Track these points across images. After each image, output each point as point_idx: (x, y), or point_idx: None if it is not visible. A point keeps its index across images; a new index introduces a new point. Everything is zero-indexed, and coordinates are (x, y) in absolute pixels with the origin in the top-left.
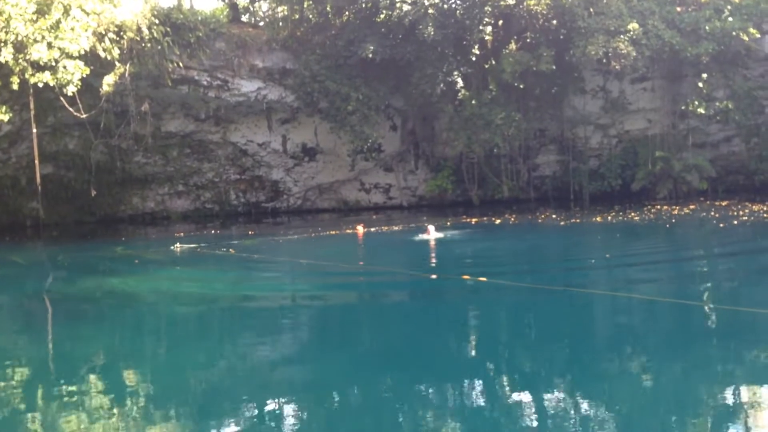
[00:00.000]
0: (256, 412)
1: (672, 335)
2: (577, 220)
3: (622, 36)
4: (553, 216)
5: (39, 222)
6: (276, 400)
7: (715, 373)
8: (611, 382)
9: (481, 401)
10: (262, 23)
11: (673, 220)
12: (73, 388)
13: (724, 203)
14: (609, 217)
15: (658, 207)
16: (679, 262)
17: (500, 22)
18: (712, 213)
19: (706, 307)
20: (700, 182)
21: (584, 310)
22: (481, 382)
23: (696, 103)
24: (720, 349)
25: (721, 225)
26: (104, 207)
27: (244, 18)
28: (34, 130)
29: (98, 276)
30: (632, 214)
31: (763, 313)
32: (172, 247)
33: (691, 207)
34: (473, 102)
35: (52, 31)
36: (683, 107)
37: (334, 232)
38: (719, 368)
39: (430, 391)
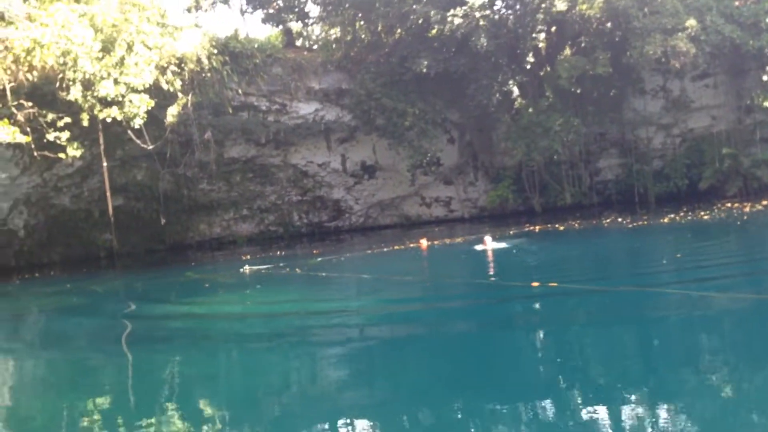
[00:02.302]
0: None
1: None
2: (644, 223)
3: (680, 34)
4: (619, 220)
5: (112, 252)
6: (366, 419)
7: None
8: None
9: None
10: (315, 46)
11: (745, 217)
12: (154, 411)
13: None
14: (677, 218)
15: (728, 205)
16: (753, 259)
17: (553, 29)
18: None
19: None
20: None
21: (659, 309)
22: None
23: (761, 96)
24: None
25: None
26: (173, 235)
27: (299, 42)
28: (105, 164)
29: (172, 301)
30: (701, 213)
31: None
32: (240, 270)
33: (764, 203)
34: (530, 110)
35: (117, 67)
36: (748, 102)
37: (398, 247)
38: None
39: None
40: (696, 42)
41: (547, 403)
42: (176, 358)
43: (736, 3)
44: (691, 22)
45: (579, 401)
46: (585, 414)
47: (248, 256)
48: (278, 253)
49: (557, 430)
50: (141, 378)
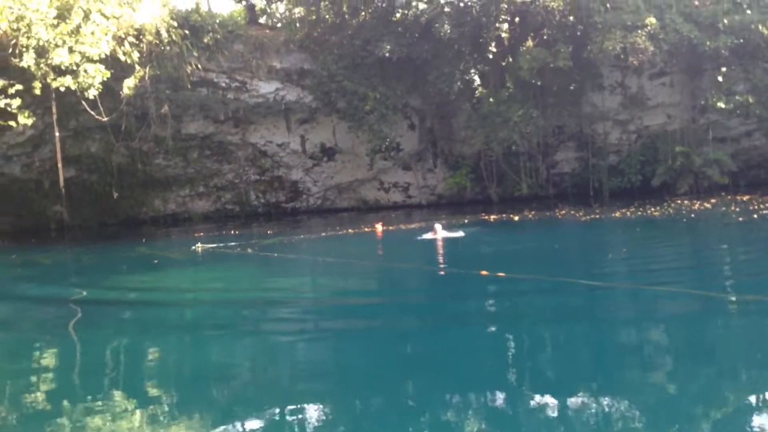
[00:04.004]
0: (273, 414)
1: (679, 321)
2: (596, 216)
3: (639, 31)
4: (572, 212)
5: (63, 224)
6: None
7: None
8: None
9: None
10: (279, 24)
11: (693, 215)
12: (91, 390)
13: (745, 197)
14: (628, 213)
15: (679, 202)
16: (694, 256)
17: (517, 19)
18: (733, 207)
19: (709, 294)
20: (721, 177)
21: (601, 301)
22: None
23: (716, 97)
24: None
25: (741, 219)
26: (126, 209)
27: (262, 20)
28: (57, 134)
29: (119, 276)
30: (652, 209)
31: None
32: (192, 248)
33: (712, 201)
34: (491, 99)
35: (73, 35)
36: (703, 102)
37: (353, 231)
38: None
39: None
40: (654, 40)
41: (484, 392)
42: (116, 336)
43: (695, 3)
44: (651, 20)
45: (515, 390)
46: (520, 403)
47: (201, 234)
48: (232, 231)
49: (494, 419)
50: (77, 356)
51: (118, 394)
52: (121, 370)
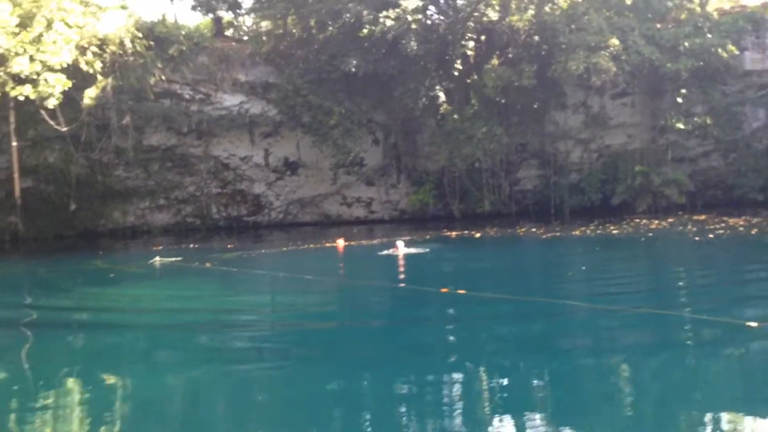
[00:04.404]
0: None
1: (639, 340)
2: (557, 234)
3: (602, 52)
4: (533, 230)
5: (17, 236)
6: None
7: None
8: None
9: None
10: (245, 37)
11: (650, 234)
12: (43, 404)
13: (702, 217)
14: (588, 231)
15: (637, 221)
16: (649, 274)
17: (483, 38)
18: (689, 227)
19: (674, 315)
20: (679, 196)
21: (559, 319)
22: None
23: (675, 118)
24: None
25: (697, 238)
26: (84, 221)
27: (228, 32)
28: (14, 143)
29: (69, 290)
30: (611, 227)
31: None
32: (150, 261)
33: (669, 221)
34: (455, 116)
35: (34, 44)
36: (663, 122)
37: (314, 246)
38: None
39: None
40: (617, 61)
41: (441, 418)
42: (63, 350)
43: (658, 26)
44: (614, 41)
45: (474, 413)
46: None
47: (161, 247)
48: (191, 245)
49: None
50: (26, 373)
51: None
52: (71, 402)
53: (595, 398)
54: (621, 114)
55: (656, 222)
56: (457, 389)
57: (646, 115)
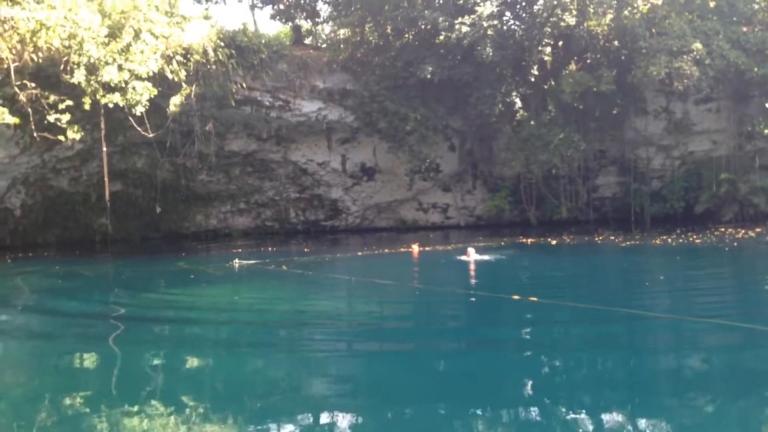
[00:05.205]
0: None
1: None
2: (636, 242)
3: (685, 56)
4: (611, 237)
5: (107, 237)
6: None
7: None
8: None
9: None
10: (323, 45)
11: (735, 244)
12: (128, 400)
13: None
14: (669, 240)
15: (722, 230)
16: (733, 285)
17: (560, 43)
18: None
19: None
20: (767, 206)
21: (634, 330)
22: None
23: (763, 124)
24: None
25: None
26: (169, 223)
27: (307, 40)
28: (104, 149)
29: (156, 290)
30: (694, 236)
31: None
32: (228, 264)
33: (757, 230)
34: (531, 122)
35: (123, 53)
36: (749, 128)
37: (389, 251)
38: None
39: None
40: (700, 65)
41: (500, 408)
42: (150, 350)
43: (744, 29)
44: (697, 45)
45: (545, 415)
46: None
47: (240, 250)
48: (269, 249)
49: None
50: (116, 370)
51: (153, 406)
52: (158, 383)
53: (665, 406)
54: (705, 120)
55: (742, 231)
56: (523, 392)
57: (732, 121)
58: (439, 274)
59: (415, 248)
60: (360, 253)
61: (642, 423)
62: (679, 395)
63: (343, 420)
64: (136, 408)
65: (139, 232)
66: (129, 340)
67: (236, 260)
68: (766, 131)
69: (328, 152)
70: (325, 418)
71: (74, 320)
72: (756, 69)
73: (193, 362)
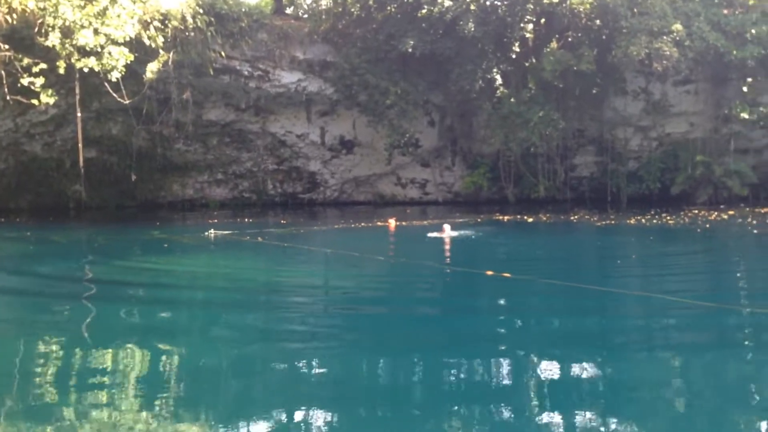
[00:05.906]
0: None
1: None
2: (611, 222)
3: (665, 37)
4: (587, 217)
5: (81, 204)
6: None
7: None
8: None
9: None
10: (305, 15)
11: (708, 226)
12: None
13: (764, 210)
14: (644, 220)
15: (696, 212)
16: (701, 265)
17: (542, 21)
18: (750, 220)
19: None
20: (741, 188)
21: (602, 305)
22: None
23: (740, 107)
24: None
25: (756, 231)
26: (145, 192)
27: (288, 10)
28: (79, 114)
29: (129, 258)
30: (668, 217)
31: None
32: (204, 234)
33: (730, 213)
34: (512, 100)
35: (99, 17)
36: (726, 111)
37: (366, 225)
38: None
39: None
40: (680, 47)
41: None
42: (123, 307)
43: (725, 11)
44: (677, 27)
45: (518, 402)
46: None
47: (216, 220)
48: (246, 220)
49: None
50: (83, 318)
51: (128, 349)
52: (132, 334)
53: (645, 390)
54: (683, 102)
55: (715, 214)
56: (493, 347)
57: (710, 104)
58: (415, 248)
59: (392, 222)
60: (337, 227)
61: (604, 373)
62: (641, 353)
63: (316, 408)
64: (110, 350)
65: (114, 200)
66: (101, 298)
67: (212, 230)
68: (742, 115)
69: (307, 124)
70: (296, 405)
71: (45, 281)
72: (735, 52)
73: (165, 318)
